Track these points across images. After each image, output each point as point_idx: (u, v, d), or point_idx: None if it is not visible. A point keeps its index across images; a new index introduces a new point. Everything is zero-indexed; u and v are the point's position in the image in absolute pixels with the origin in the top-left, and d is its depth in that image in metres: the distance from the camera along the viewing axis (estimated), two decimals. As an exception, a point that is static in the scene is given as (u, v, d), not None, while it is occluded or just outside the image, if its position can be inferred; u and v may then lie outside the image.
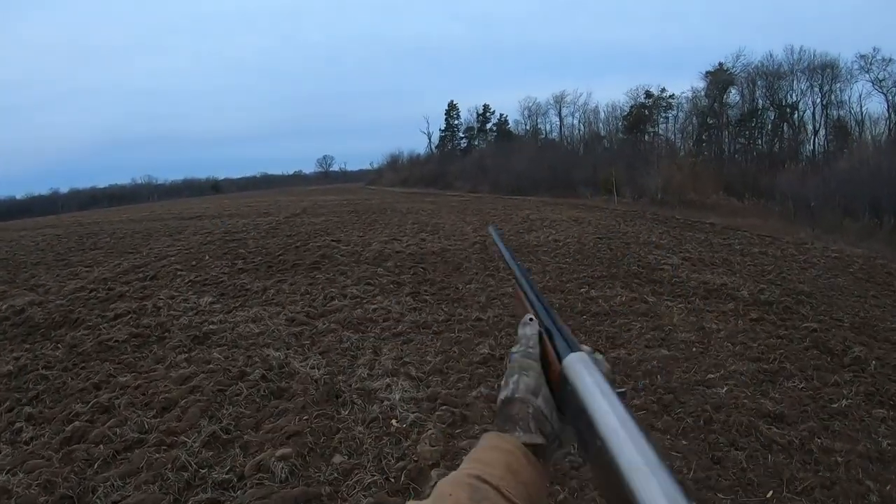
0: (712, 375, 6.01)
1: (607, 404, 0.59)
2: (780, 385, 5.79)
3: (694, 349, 6.85)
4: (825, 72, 40.36)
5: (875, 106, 64.87)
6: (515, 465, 0.71)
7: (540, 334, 0.85)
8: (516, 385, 0.78)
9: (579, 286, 9.91)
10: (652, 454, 0.50)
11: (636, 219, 21.75)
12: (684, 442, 4.74)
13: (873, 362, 6.24)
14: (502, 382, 0.81)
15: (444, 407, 5.16)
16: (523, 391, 0.77)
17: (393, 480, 4.14)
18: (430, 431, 4.71)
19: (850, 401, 5.36)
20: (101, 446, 4.54)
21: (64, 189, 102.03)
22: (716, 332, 7.41)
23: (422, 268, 11.41)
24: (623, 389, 0.69)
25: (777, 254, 13.71)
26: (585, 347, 0.77)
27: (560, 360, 0.75)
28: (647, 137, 51.99)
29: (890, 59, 36.87)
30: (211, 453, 4.44)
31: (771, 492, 4.02)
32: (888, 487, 4.01)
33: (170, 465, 4.22)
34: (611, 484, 0.52)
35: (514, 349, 0.85)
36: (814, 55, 40.64)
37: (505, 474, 0.68)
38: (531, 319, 0.88)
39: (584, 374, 0.67)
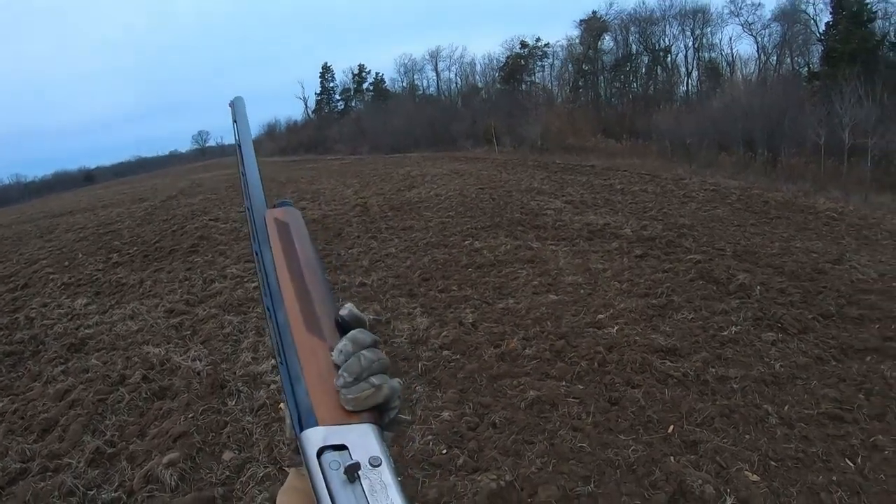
0: (602, 316, 6.00)
1: None
2: (670, 318, 5.87)
3: (582, 291, 6.84)
4: (696, 17, 42.53)
5: (745, 48, 69.35)
6: None
7: None
8: None
9: (463, 239, 9.76)
10: None
11: (517, 167, 22.00)
12: (580, 386, 4.65)
13: (758, 287, 6.46)
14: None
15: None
16: None
17: (287, 469, 3.80)
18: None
19: (739, 327, 5.49)
20: (-16, 487, 4.28)
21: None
22: (602, 272, 7.46)
23: (302, 237, 10.89)
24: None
25: (657, 190, 14.24)
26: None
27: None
28: (524, 87, 52.74)
29: (759, 4, 39.32)
30: (97, 471, 4.22)
31: (671, 426, 3.97)
32: (786, 408, 4.08)
33: (56, 493, 3.98)
34: None
35: None
36: (685, 1, 42.58)
37: None
38: None
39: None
